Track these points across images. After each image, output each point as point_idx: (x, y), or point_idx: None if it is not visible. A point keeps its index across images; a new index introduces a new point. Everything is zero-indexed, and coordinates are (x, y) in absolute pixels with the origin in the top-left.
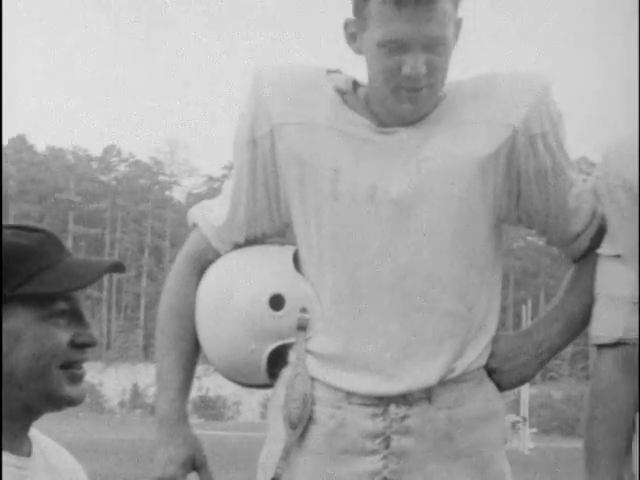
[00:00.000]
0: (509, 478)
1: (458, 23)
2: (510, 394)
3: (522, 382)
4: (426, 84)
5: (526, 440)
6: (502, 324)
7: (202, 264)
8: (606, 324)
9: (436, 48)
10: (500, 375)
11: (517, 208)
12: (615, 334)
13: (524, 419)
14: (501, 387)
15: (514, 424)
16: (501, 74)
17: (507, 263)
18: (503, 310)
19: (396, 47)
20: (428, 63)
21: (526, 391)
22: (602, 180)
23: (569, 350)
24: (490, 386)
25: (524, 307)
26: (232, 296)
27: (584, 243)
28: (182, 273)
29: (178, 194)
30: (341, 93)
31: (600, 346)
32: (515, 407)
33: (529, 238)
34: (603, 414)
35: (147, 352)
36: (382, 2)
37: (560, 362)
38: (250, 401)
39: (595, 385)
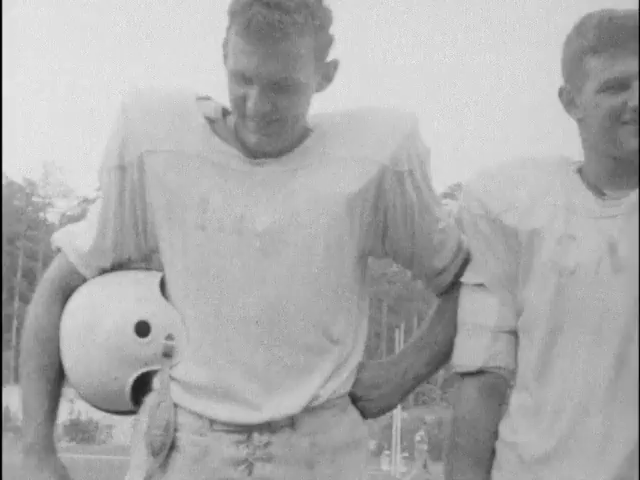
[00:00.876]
0: None
1: (331, 65)
2: (382, 418)
3: (386, 410)
4: (275, 119)
5: (397, 464)
6: (375, 349)
7: (66, 290)
8: (468, 352)
9: (283, 88)
10: (365, 403)
11: (383, 243)
12: (477, 362)
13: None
14: (365, 415)
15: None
16: (371, 110)
17: (381, 288)
18: (376, 335)
19: (242, 79)
20: (273, 102)
21: (398, 415)
22: (465, 210)
23: (441, 374)
24: (354, 414)
25: (397, 332)
26: (97, 322)
27: (448, 277)
28: (46, 299)
29: (52, 216)
30: (210, 121)
31: (462, 374)
32: (387, 431)
33: None
34: (464, 441)
35: (18, 374)
36: (236, 33)
37: (432, 386)
38: (122, 424)
39: (457, 413)
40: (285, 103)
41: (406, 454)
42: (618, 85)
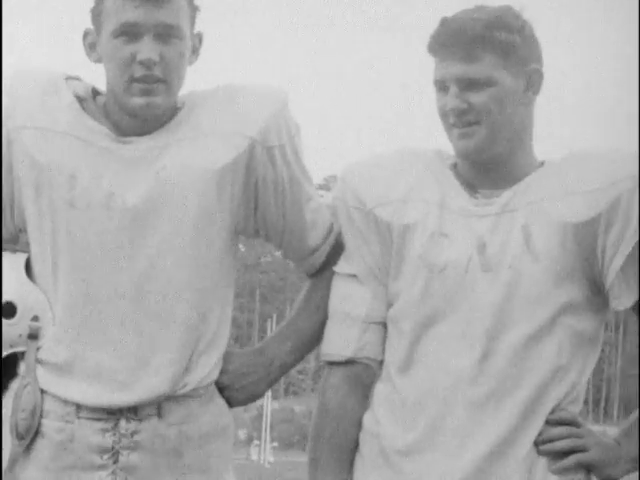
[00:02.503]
0: None
1: (198, 37)
2: (253, 408)
3: (253, 399)
4: (160, 78)
5: (267, 454)
6: (248, 338)
7: None
8: (337, 342)
9: (169, 39)
10: (231, 392)
11: (254, 220)
12: (346, 352)
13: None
14: (232, 403)
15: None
16: (241, 85)
17: (254, 277)
18: (249, 324)
19: (129, 35)
20: (161, 52)
21: (268, 405)
22: (340, 201)
23: (312, 365)
24: (220, 402)
25: (270, 321)
26: None
27: (320, 258)
28: None
29: None
30: (80, 100)
31: (330, 363)
32: (257, 421)
33: (277, 253)
34: (329, 431)
35: None
36: None
37: (303, 377)
38: None
39: (323, 402)
40: (171, 54)
41: (275, 444)
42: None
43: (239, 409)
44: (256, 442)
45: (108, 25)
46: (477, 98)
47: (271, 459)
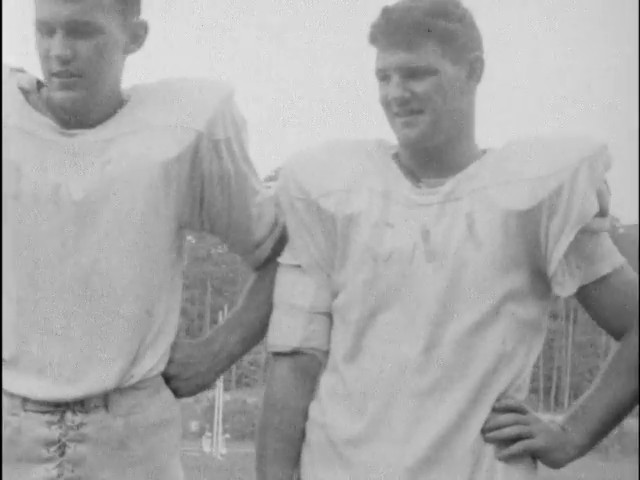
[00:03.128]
0: None
1: (140, 25)
2: (205, 400)
3: (200, 390)
4: (75, 73)
5: (219, 446)
6: (199, 329)
7: None
8: (283, 332)
9: (85, 34)
10: (178, 382)
11: (200, 213)
12: (291, 343)
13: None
14: (179, 394)
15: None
16: (187, 78)
17: (205, 269)
18: (200, 316)
19: (44, 31)
20: (74, 47)
21: (220, 397)
22: (283, 192)
23: (264, 356)
24: (167, 393)
25: (221, 313)
26: None
27: (265, 252)
28: None
29: None
30: (25, 92)
31: (276, 354)
32: (209, 413)
33: None
34: (276, 422)
35: None
36: None
37: (255, 368)
38: None
39: (269, 393)
40: (85, 49)
41: (228, 436)
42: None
43: (191, 401)
44: (208, 434)
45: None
46: (420, 87)
47: (223, 451)
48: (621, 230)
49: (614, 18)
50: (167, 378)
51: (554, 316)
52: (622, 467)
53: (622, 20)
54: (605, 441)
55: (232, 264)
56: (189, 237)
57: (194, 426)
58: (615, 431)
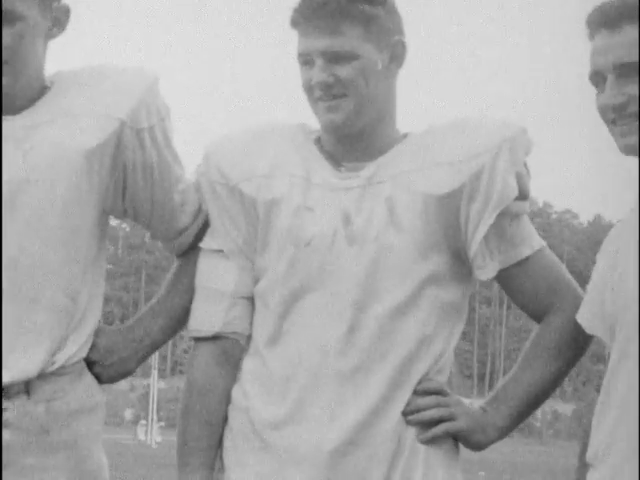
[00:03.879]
0: (105, 471)
1: (61, 9)
2: (139, 388)
3: (122, 376)
4: None
5: (154, 434)
6: (130, 318)
7: None
8: (205, 317)
9: (4, 22)
10: (101, 368)
11: (123, 201)
12: (213, 328)
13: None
14: (101, 380)
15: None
16: (110, 66)
17: (140, 257)
18: (135, 304)
19: None
20: None
21: (155, 385)
22: (204, 177)
23: None
24: (89, 379)
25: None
26: None
27: (188, 239)
28: None
29: None
30: None
31: (198, 339)
32: (144, 401)
33: None
34: (197, 407)
35: None
36: None
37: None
38: None
39: (191, 377)
40: (7, 37)
41: (162, 424)
42: (306, 61)
43: (126, 389)
44: (143, 422)
45: None
46: (343, 71)
47: (158, 439)
48: (554, 215)
49: None
50: (90, 364)
51: (488, 302)
52: (555, 451)
53: None
54: (539, 425)
55: (166, 251)
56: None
57: (129, 414)
58: (549, 416)
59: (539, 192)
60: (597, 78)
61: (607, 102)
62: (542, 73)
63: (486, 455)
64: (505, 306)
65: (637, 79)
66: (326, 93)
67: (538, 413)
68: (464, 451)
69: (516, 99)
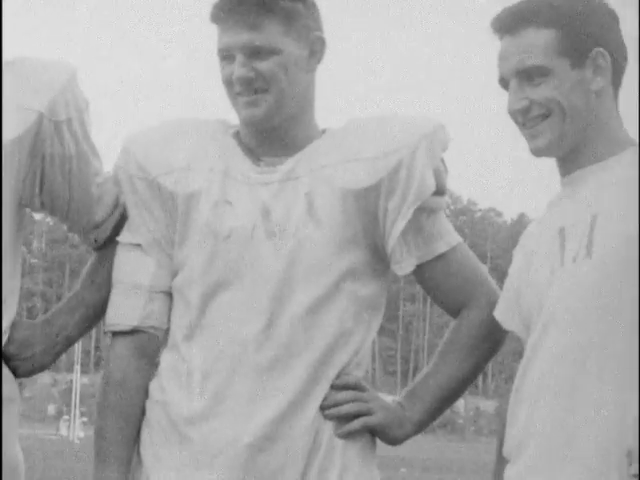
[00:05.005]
0: (21, 466)
1: None
2: (62, 383)
3: (38, 370)
4: None
5: (76, 429)
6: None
7: None
8: (122, 311)
9: None
10: (17, 362)
11: (40, 193)
12: (130, 322)
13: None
14: (18, 374)
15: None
16: (29, 58)
17: (63, 252)
18: (58, 298)
19: None
20: None
21: (77, 380)
22: (122, 170)
23: None
24: (6, 372)
25: None
26: None
27: (105, 232)
28: None
29: None
30: None
31: (115, 333)
32: (67, 396)
33: None
34: (114, 401)
35: None
36: None
37: None
38: None
39: (108, 372)
40: None
41: (85, 419)
42: (226, 56)
43: (48, 384)
44: (65, 417)
45: None
46: (264, 66)
47: (81, 434)
48: (478, 213)
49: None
50: (6, 357)
51: (412, 299)
52: (478, 447)
53: None
54: (462, 422)
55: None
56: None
57: (52, 409)
58: (471, 412)
59: (464, 190)
60: (504, 83)
61: (511, 107)
62: (464, 71)
63: (408, 452)
64: (429, 303)
65: (538, 82)
66: (246, 88)
67: (461, 410)
68: (386, 448)
69: (440, 97)
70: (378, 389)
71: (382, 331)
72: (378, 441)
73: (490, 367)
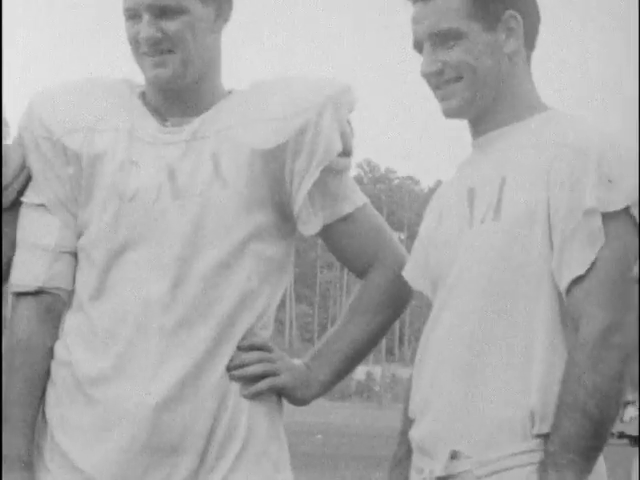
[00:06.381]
0: None
1: None
2: None
3: None
4: None
5: None
6: None
7: None
8: (27, 272)
9: None
10: None
11: None
12: (35, 283)
13: None
14: None
15: None
16: None
17: None
18: None
19: None
20: None
21: None
22: (27, 131)
23: None
24: None
25: None
26: None
27: (11, 195)
28: None
29: None
30: None
31: (19, 294)
32: None
33: None
34: (19, 362)
35: None
36: None
37: None
38: None
39: (12, 333)
40: None
41: None
42: (132, 15)
43: None
44: None
45: None
46: (171, 26)
47: None
48: (396, 181)
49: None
50: None
51: (329, 266)
52: (394, 414)
53: None
54: (378, 389)
55: None
56: None
57: None
58: (388, 380)
59: (381, 158)
60: (418, 47)
61: (425, 70)
62: (380, 36)
63: (323, 418)
64: (346, 270)
65: (450, 45)
66: (153, 48)
67: (377, 377)
68: (302, 414)
69: (361, 67)
70: (295, 356)
71: (299, 298)
72: (294, 408)
73: (407, 334)
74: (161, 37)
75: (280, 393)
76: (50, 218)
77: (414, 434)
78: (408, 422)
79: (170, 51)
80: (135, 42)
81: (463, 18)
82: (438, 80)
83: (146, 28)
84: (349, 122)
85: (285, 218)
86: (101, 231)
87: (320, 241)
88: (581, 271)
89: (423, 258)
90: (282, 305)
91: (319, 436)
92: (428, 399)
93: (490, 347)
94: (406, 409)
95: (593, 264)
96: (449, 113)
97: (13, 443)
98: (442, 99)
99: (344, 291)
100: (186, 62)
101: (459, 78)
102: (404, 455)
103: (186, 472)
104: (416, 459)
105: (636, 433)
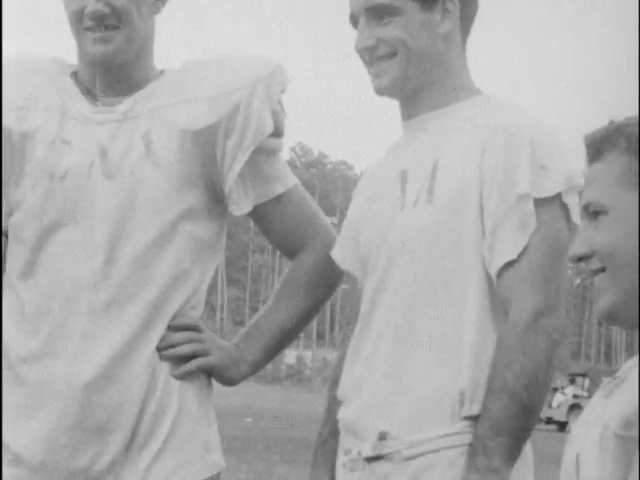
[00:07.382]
0: None
1: None
2: None
3: None
4: None
5: None
6: None
7: None
8: None
9: None
10: None
11: None
12: None
13: None
14: None
15: None
16: None
17: None
18: None
19: None
20: None
21: None
22: None
23: None
24: None
25: None
26: None
27: None
28: None
29: None
30: None
31: None
32: None
33: None
34: None
35: None
36: None
37: None
38: None
39: None
40: None
41: None
42: None
43: None
44: None
45: None
46: (119, 2)
47: None
48: (329, 166)
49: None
50: None
51: (261, 250)
52: (324, 398)
53: None
54: (308, 373)
55: None
56: None
57: None
58: (318, 363)
59: (315, 143)
60: (354, 21)
61: (359, 45)
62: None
63: (253, 402)
64: (278, 254)
65: (386, 22)
66: (98, 24)
67: (308, 361)
68: (232, 397)
69: (293, 47)
70: (226, 339)
71: (231, 282)
72: (224, 390)
73: (337, 318)
74: (109, 12)
75: (210, 373)
76: None
77: (343, 415)
78: (335, 402)
79: (114, 27)
80: (78, 17)
81: None
82: (372, 56)
83: (93, 2)
84: (281, 102)
85: (217, 199)
86: (31, 210)
87: (252, 224)
88: (513, 256)
89: (353, 238)
90: (214, 289)
91: (249, 419)
92: (362, 380)
93: (422, 329)
94: (332, 389)
95: (524, 249)
96: (380, 90)
97: None
98: (375, 76)
99: (276, 275)
100: (130, 39)
101: (393, 54)
102: (329, 434)
103: (116, 451)
104: (344, 440)
105: (564, 419)
